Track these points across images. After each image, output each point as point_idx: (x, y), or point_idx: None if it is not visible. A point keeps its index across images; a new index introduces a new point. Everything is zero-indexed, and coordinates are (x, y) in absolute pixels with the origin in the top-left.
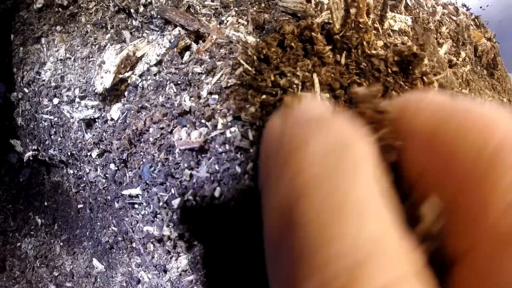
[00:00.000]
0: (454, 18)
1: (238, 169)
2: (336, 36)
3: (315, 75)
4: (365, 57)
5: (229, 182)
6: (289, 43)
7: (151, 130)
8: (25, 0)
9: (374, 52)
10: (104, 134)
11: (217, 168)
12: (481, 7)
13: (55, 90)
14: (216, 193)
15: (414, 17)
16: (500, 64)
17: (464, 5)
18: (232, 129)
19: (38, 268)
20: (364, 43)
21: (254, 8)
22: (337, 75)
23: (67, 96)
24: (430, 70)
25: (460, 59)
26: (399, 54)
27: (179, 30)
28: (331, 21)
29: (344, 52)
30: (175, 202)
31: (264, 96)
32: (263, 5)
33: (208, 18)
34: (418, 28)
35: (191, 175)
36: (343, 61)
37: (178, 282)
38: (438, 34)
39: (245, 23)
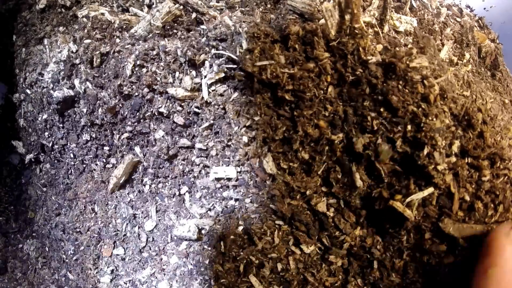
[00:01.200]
0: (458, 19)
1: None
2: (332, 43)
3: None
4: (361, 63)
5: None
6: (293, 44)
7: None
8: (27, 1)
9: (369, 57)
10: None
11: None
12: (484, 8)
13: None
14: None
15: (419, 19)
16: (502, 65)
17: (468, 6)
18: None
19: (40, 270)
20: (360, 49)
21: (260, 9)
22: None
23: None
24: (431, 73)
25: (464, 60)
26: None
27: None
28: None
29: (341, 60)
30: None
31: None
32: (268, 5)
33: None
34: (419, 31)
35: None
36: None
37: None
38: (443, 36)
39: None
